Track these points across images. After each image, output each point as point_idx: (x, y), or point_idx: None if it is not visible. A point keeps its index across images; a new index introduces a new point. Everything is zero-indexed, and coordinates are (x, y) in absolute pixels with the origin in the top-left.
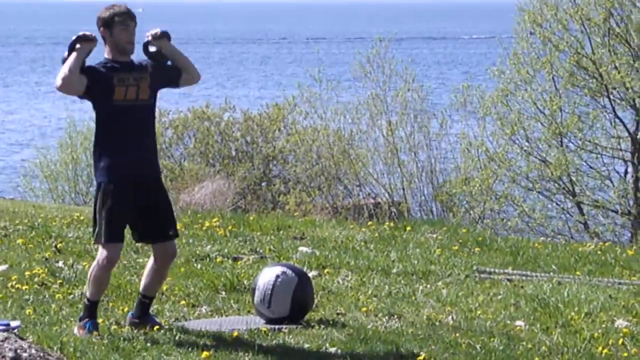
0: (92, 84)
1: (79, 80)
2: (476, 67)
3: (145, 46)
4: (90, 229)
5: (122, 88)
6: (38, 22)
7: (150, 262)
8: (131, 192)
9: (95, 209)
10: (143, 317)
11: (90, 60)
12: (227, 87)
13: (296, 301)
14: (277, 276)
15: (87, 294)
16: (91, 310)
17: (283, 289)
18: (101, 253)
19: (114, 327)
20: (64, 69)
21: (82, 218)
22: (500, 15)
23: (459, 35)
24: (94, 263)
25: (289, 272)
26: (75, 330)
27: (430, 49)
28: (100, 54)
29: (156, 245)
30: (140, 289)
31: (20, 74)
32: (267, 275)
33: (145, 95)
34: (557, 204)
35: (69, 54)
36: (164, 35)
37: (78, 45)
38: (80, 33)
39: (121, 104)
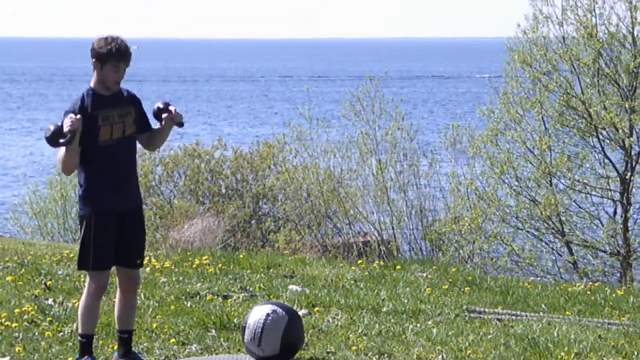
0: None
1: (78, 159)
2: (465, 106)
3: (159, 114)
4: None
5: (108, 128)
6: (25, 59)
7: (117, 297)
8: (116, 221)
9: (83, 239)
10: (127, 355)
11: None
12: (217, 124)
13: (287, 340)
14: (268, 315)
15: (80, 331)
16: (87, 347)
17: (274, 328)
18: (90, 282)
19: None
20: (67, 163)
21: (72, 255)
22: (489, 55)
23: (448, 75)
24: (84, 296)
25: (280, 310)
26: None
27: (419, 88)
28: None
29: (122, 271)
30: (116, 326)
31: (11, 112)
32: (258, 314)
33: (132, 130)
34: (546, 243)
35: (59, 138)
36: (180, 125)
37: (68, 135)
38: (66, 128)
39: (107, 144)
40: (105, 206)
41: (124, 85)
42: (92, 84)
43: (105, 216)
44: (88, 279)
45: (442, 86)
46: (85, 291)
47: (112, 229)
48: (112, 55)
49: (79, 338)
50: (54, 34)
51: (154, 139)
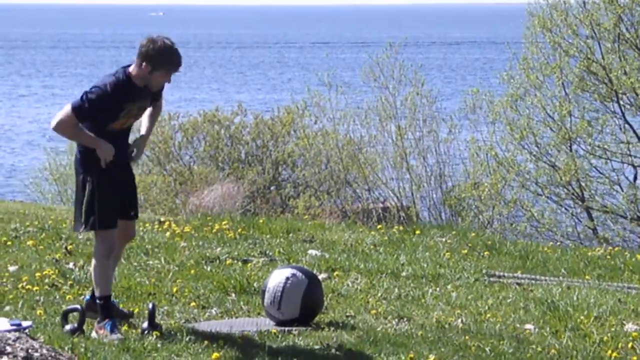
0: (96, 113)
1: None
2: (484, 72)
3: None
4: None
5: (125, 119)
6: (39, 25)
7: None
8: (115, 178)
9: (85, 200)
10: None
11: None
12: (235, 91)
13: (306, 303)
14: (287, 278)
15: (97, 294)
16: (106, 309)
17: (293, 291)
18: (100, 243)
19: (124, 327)
20: (87, 140)
21: None
22: (509, 20)
23: (467, 40)
24: (95, 259)
25: (299, 274)
26: (94, 333)
27: (438, 54)
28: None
29: (120, 222)
30: None
31: (28, 77)
32: (277, 278)
33: (138, 118)
34: (566, 209)
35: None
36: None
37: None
38: (105, 157)
39: (115, 130)
40: (105, 168)
41: None
42: (132, 71)
43: (110, 173)
44: (97, 241)
45: (458, 52)
46: (95, 253)
47: (114, 186)
48: (169, 65)
49: (98, 302)
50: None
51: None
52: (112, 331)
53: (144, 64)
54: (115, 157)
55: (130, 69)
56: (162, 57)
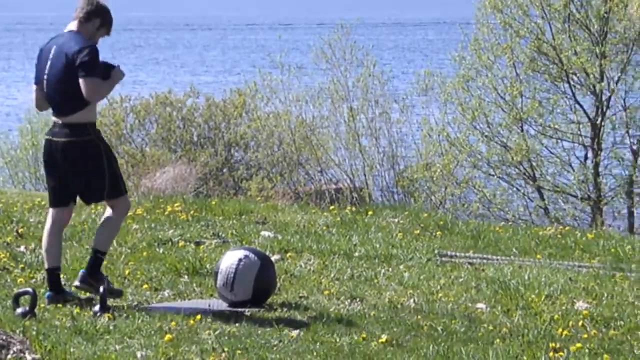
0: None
1: None
2: (436, 53)
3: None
4: None
5: None
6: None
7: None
8: None
9: (109, 173)
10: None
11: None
12: (187, 73)
13: (259, 285)
14: (240, 260)
15: (104, 248)
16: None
17: (245, 273)
18: (124, 203)
19: (76, 310)
20: (108, 89)
21: (43, 203)
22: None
23: (417, 22)
24: (118, 218)
25: (252, 255)
26: (102, 288)
27: (389, 35)
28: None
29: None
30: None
31: None
32: (230, 259)
33: None
34: (517, 189)
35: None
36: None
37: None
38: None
39: None
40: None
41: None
42: (78, 29)
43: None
44: (120, 204)
45: (411, 33)
46: (117, 215)
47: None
48: (110, 23)
49: (101, 257)
50: None
51: None
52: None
53: (95, 19)
54: None
55: (73, 27)
56: (108, 15)
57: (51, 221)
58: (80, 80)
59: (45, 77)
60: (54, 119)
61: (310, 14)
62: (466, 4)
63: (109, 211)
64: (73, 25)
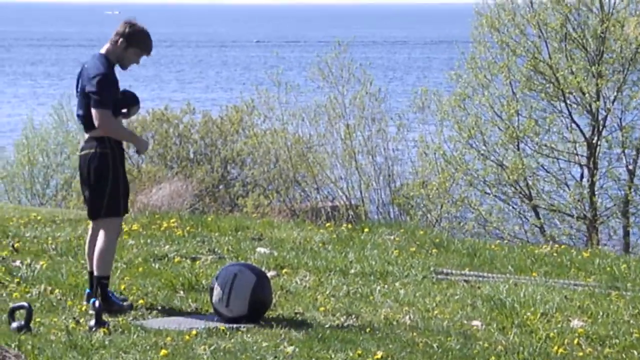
0: (112, 96)
1: None
2: (434, 72)
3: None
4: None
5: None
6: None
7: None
8: None
9: (109, 190)
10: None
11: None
12: (185, 89)
13: (254, 300)
14: (236, 275)
15: (101, 274)
16: (106, 287)
17: (241, 288)
18: (114, 225)
19: (72, 325)
20: (126, 135)
21: (39, 218)
22: (458, 20)
23: (415, 40)
24: (106, 240)
25: (247, 271)
26: (97, 303)
27: (386, 53)
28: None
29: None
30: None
31: None
32: (226, 275)
33: None
34: (513, 207)
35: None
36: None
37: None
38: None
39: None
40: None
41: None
42: (104, 51)
43: (121, 168)
44: (110, 226)
45: (404, 51)
46: (106, 238)
47: (124, 179)
48: (144, 44)
49: (102, 281)
50: None
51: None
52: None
53: (120, 40)
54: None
55: (102, 49)
56: (138, 36)
57: (89, 232)
58: (92, 110)
59: (76, 93)
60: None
61: (296, 32)
62: (461, 23)
63: (99, 234)
64: (105, 46)
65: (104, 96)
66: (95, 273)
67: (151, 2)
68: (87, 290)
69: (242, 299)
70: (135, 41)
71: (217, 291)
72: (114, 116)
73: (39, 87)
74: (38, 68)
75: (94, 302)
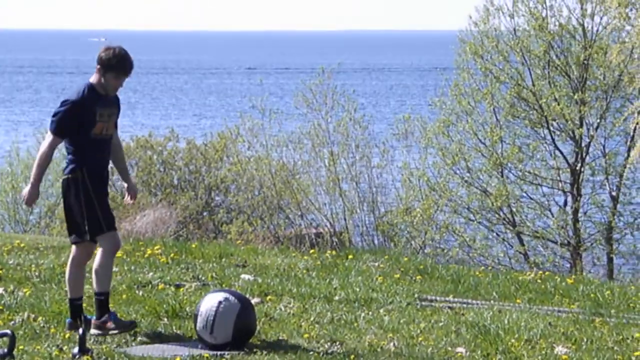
0: (72, 123)
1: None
2: (417, 99)
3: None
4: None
5: (101, 124)
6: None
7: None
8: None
9: (86, 211)
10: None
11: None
12: (168, 117)
13: (239, 327)
14: (220, 302)
15: (99, 289)
16: (107, 304)
17: (225, 315)
18: (106, 244)
19: (55, 352)
20: (37, 173)
21: (22, 245)
22: (441, 47)
23: (399, 67)
24: (99, 258)
25: (232, 298)
26: (95, 330)
27: (370, 80)
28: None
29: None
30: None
31: None
32: (210, 302)
33: (112, 131)
34: (497, 234)
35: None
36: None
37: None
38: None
39: (97, 137)
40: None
41: None
42: (93, 81)
43: (101, 189)
44: (102, 242)
45: (390, 78)
46: (100, 257)
47: (106, 198)
48: (116, 67)
49: (100, 298)
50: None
51: (115, 159)
52: (115, 320)
53: (98, 67)
54: (102, 170)
55: (91, 79)
56: (111, 60)
57: (69, 258)
58: None
59: None
60: None
61: (278, 58)
62: (443, 50)
63: (98, 252)
64: (92, 76)
65: (59, 119)
66: (95, 290)
67: (138, 28)
68: (68, 320)
69: (226, 326)
70: (109, 65)
71: (201, 318)
72: (57, 143)
73: (20, 114)
74: (22, 95)
75: (78, 330)
